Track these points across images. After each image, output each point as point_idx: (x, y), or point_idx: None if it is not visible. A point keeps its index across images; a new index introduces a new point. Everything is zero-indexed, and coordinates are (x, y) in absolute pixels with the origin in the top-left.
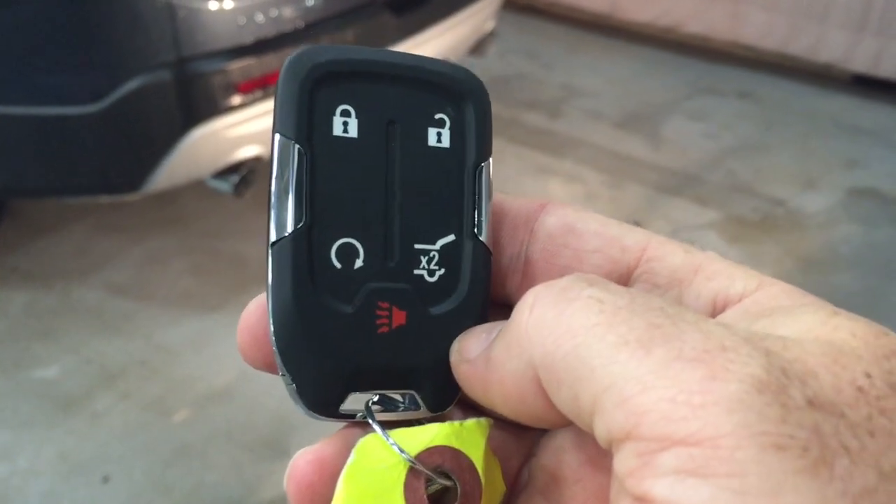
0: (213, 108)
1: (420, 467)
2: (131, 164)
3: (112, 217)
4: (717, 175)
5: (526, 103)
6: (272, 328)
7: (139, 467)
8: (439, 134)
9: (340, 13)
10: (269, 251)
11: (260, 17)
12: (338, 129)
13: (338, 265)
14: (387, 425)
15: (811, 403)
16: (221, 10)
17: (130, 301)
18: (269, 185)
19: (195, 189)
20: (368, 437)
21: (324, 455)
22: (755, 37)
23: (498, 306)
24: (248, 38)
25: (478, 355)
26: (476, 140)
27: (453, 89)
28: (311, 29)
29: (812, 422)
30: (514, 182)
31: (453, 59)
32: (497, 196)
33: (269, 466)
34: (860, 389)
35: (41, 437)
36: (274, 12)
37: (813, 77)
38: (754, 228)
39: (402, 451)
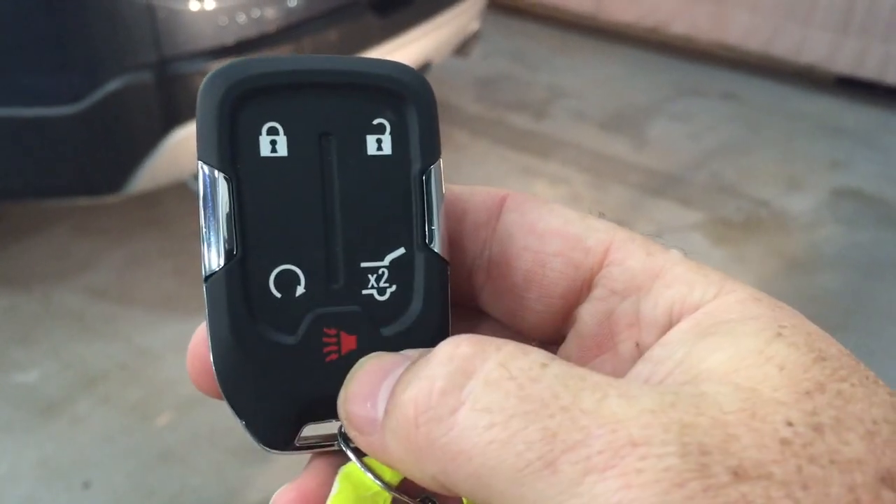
0: (194, 108)
1: (405, 499)
2: (112, 165)
3: (92, 219)
4: (702, 176)
5: (511, 105)
6: (213, 366)
7: (121, 472)
8: (379, 141)
9: (322, 14)
10: (203, 287)
11: (241, 18)
12: (265, 150)
13: (277, 294)
14: (358, 452)
15: (736, 475)
16: (202, 11)
17: (111, 304)
18: (198, 217)
19: (176, 190)
20: (350, 465)
21: (306, 489)
22: (739, 37)
23: (466, 309)
24: (229, 39)
25: (371, 435)
26: (421, 143)
27: (391, 91)
28: (292, 30)
29: (739, 495)
30: (498, 183)
31: (438, 59)
32: (455, 190)
33: (252, 470)
34: (784, 441)
35: (21, 442)
36: (256, 13)
37: (797, 78)
38: (738, 229)
39: (383, 482)
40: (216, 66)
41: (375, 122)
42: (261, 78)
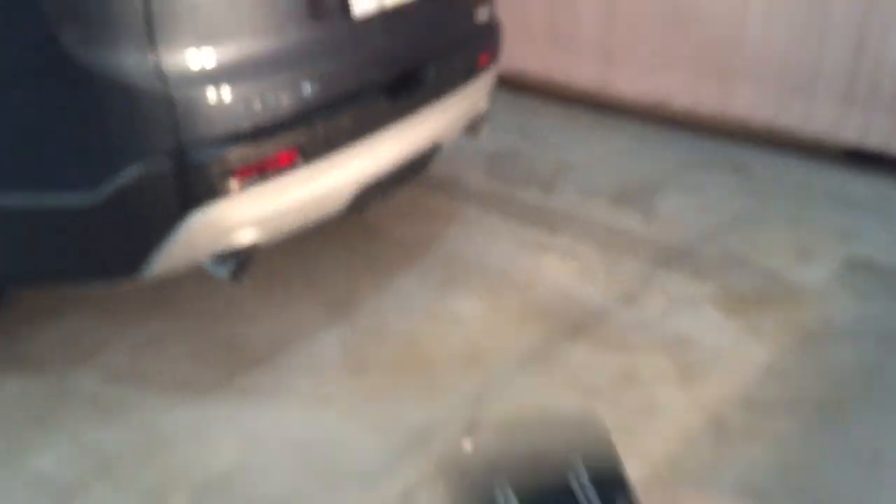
0: (210, 193)
1: None
2: (129, 250)
3: (107, 301)
4: (713, 248)
5: (520, 180)
6: None
7: None
8: None
9: (336, 99)
10: None
11: (257, 105)
12: None
13: None
14: None
15: None
16: (220, 99)
17: (126, 387)
18: None
19: (191, 271)
20: None
21: None
22: (744, 111)
23: None
24: (245, 126)
25: None
26: None
27: None
28: (306, 115)
29: None
30: (509, 260)
31: (448, 140)
32: None
33: None
34: None
35: None
36: (271, 100)
37: (804, 150)
38: (751, 302)
39: None
40: (232, 152)
41: None
42: None
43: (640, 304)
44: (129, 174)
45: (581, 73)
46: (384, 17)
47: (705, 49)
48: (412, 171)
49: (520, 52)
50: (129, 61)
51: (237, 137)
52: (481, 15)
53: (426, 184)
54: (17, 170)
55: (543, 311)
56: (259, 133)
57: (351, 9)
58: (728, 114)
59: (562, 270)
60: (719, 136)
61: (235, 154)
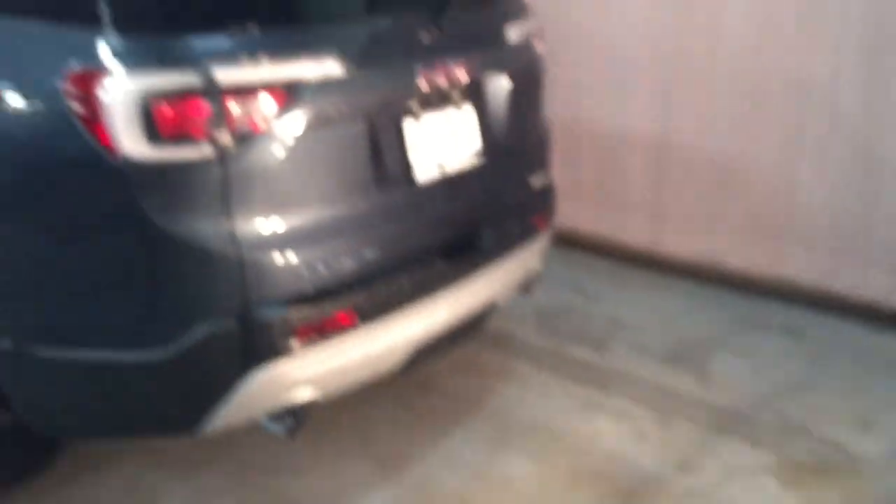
0: (272, 352)
1: None
2: (190, 407)
3: (161, 452)
4: (768, 414)
5: (572, 337)
6: None
7: None
8: None
9: (395, 261)
10: None
11: (321, 269)
12: None
13: None
14: None
15: None
16: (286, 262)
17: None
18: None
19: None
20: None
21: None
22: (796, 273)
23: None
24: (308, 288)
25: None
26: None
27: None
28: (367, 278)
29: None
30: (561, 419)
31: (503, 300)
32: None
33: None
34: None
35: None
36: (334, 264)
37: (859, 313)
38: (810, 472)
39: None
40: (295, 312)
41: None
42: None
43: (696, 472)
44: (197, 333)
45: (631, 231)
46: (445, 184)
47: (755, 210)
48: (467, 330)
49: (570, 209)
50: (205, 226)
51: (300, 298)
52: (537, 180)
53: (478, 338)
54: (89, 326)
55: (596, 476)
56: (321, 294)
57: (415, 177)
58: (780, 275)
59: (615, 432)
60: (772, 297)
61: (297, 314)
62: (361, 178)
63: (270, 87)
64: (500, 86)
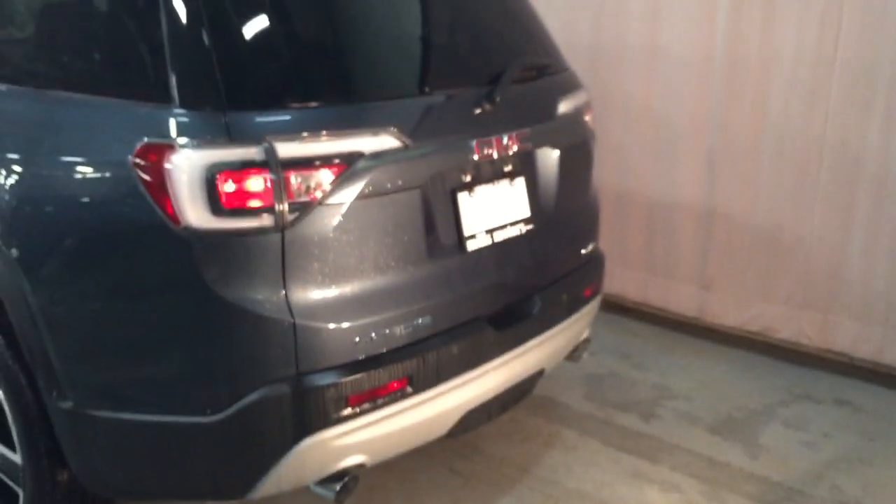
0: (323, 419)
1: None
2: (242, 472)
3: None
4: (822, 490)
5: (619, 404)
6: None
7: None
8: None
9: (447, 331)
10: None
11: (373, 337)
12: None
13: None
14: None
15: None
16: (340, 330)
17: None
18: None
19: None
20: None
21: None
22: (848, 345)
23: None
24: (361, 355)
25: None
26: None
27: None
28: (419, 347)
29: None
30: (608, 490)
31: (551, 367)
32: None
33: None
34: None
35: None
36: (386, 332)
37: None
38: None
39: None
40: (346, 379)
41: None
42: None
43: None
44: (251, 399)
45: (678, 299)
46: (496, 254)
47: (804, 280)
48: (516, 396)
49: (618, 276)
50: (261, 295)
51: (352, 366)
52: (586, 249)
53: (525, 403)
54: (146, 389)
55: None
56: (372, 363)
57: (466, 246)
58: (831, 346)
59: None
60: (822, 368)
61: (349, 382)
62: (414, 251)
63: (329, 161)
64: (550, 158)
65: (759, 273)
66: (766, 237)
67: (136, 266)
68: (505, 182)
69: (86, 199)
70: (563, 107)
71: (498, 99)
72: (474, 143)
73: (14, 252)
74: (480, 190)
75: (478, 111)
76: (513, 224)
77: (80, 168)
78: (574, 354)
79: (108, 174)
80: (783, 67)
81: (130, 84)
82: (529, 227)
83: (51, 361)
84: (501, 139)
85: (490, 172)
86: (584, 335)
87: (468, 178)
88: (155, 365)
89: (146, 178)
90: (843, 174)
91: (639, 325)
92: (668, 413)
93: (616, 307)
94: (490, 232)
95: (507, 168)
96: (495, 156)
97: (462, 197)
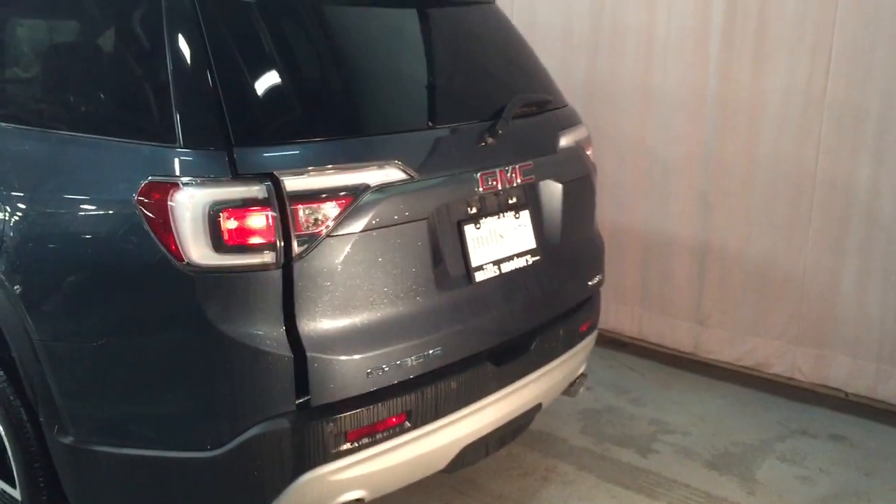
0: (322, 454)
1: None
2: None
3: None
4: None
5: (616, 439)
6: None
7: None
8: None
9: (446, 367)
10: None
11: (372, 373)
12: None
13: None
14: None
15: None
16: (339, 366)
17: None
18: None
19: None
20: None
21: None
22: (842, 380)
23: None
24: (360, 391)
25: None
26: None
27: None
28: (418, 382)
29: None
30: None
31: (547, 402)
32: None
33: None
34: None
35: None
36: (385, 368)
37: None
38: None
39: None
40: (346, 414)
41: None
42: None
43: None
44: (251, 435)
45: (674, 334)
46: (498, 289)
47: (798, 316)
48: (513, 430)
49: (614, 311)
50: (261, 331)
51: (351, 402)
52: (593, 280)
53: (523, 438)
54: (146, 425)
55: None
56: (372, 398)
57: (473, 277)
58: (825, 381)
59: None
60: (817, 403)
61: (348, 418)
62: (419, 286)
63: (333, 196)
64: (555, 191)
65: (753, 308)
66: (759, 273)
67: (138, 303)
68: (510, 215)
69: (90, 237)
70: (565, 140)
71: (500, 131)
72: (478, 175)
73: (18, 288)
74: (486, 222)
75: (481, 144)
76: (519, 255)
77: (84, 206)
78: (570, 389)
79: (112, 212)
80: (774, 106)
81: (135, 124)
82: (536, 258)
83: (52, 396)
84: (505, 171)
85: (495, 205)
86: (581, 370)
87: (474, 211)
88: (156, 400)
89: (150, 215)
90: (834, 210)
91: (635, 360)
92: (666, 448)
93: (613, 342)
94: (497, 263)
95: (513, 201)
96: (499, 187)
97: (468, 229)
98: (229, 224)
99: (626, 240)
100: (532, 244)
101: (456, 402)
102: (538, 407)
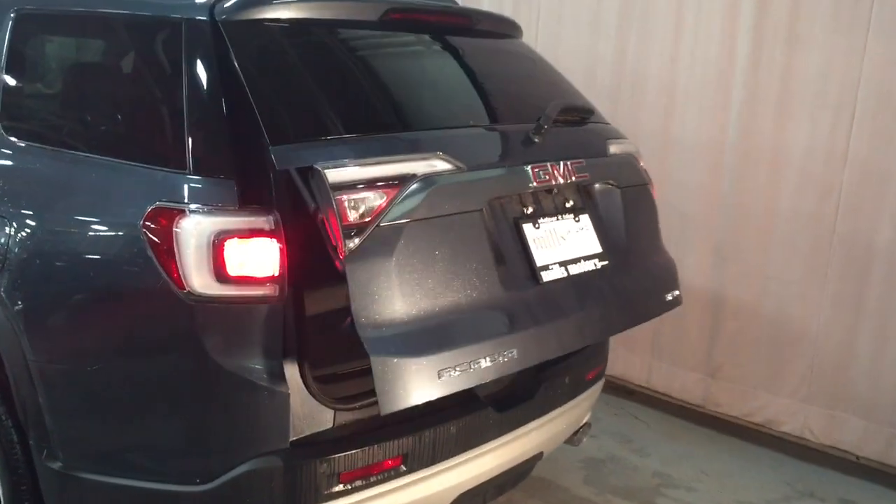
0: (314, 495)
1: None
2: None
3: None
4: None
5: (619, 490)
6: None
7: None
8: None
9: (445, 409)
10: None
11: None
12: None
13: None
14: None
15: None
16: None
17: None
18: None
19: None
20: None
21: None
22: (854, 443)
23: None
24: (354, 432)
25: None
26: None
27: None
28: (415, 425)
29: None
30: None
31: (549, 450)
32: None
33: None
34: None
35: None
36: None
37: None
38: None
39: None
40: (340, 455)
41: None
42: None
43: None
44: (241, 471)
45: (683, 386)
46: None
47: (812, 375)
48: (513, 478)
49: (623, 358)
50: (258, 365)
51: (346, 442)
52: (671, 294)
53: (522, 485)
54: (137, 455)
55: None
56: (367, 439)
57: (540, 276)
58: (836, 443)
59: None
60: (827, 464)
61: (342, 458)
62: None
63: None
64: (613, 197)
65: (765, 364)
66: (773, 328)
67: (137, 329)
68: (569, 218)
69: (93, 259)
70: (614, 148)
71: (545, 126)
72: (530, 168)
73: (17, 306)
74: (545, 223)
75: (528, 141)
76: (587, 259)
77: (91, 228)
78: (574, 438)
79: (118, 235)
80: (795, 160)
81: (148, 148)
82: (605, 263)
83: (43, 419)
84: (557, 165)
85: (552, 206)
86: (586, 419)
87: (530, 210)
88: (147, 430)
89: (155, 240)
90: (853, 268)
91: (642, 409)
92: (669, 502)
93: (620, 389)
94: (563, 265)
95: (570, 204)
96: (553, 182)
97: (527, 228)
98: (233, 254)
99: None
100: (597, 248)
101: (454, 447)
102: (539, 455)
